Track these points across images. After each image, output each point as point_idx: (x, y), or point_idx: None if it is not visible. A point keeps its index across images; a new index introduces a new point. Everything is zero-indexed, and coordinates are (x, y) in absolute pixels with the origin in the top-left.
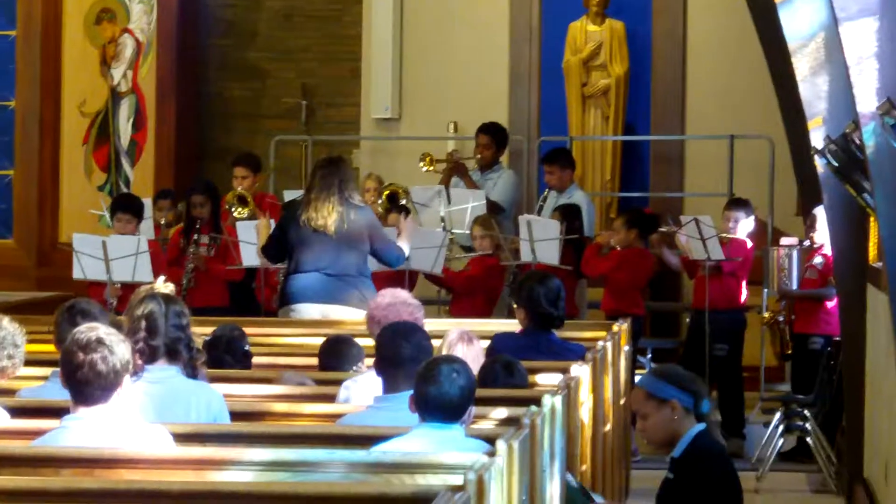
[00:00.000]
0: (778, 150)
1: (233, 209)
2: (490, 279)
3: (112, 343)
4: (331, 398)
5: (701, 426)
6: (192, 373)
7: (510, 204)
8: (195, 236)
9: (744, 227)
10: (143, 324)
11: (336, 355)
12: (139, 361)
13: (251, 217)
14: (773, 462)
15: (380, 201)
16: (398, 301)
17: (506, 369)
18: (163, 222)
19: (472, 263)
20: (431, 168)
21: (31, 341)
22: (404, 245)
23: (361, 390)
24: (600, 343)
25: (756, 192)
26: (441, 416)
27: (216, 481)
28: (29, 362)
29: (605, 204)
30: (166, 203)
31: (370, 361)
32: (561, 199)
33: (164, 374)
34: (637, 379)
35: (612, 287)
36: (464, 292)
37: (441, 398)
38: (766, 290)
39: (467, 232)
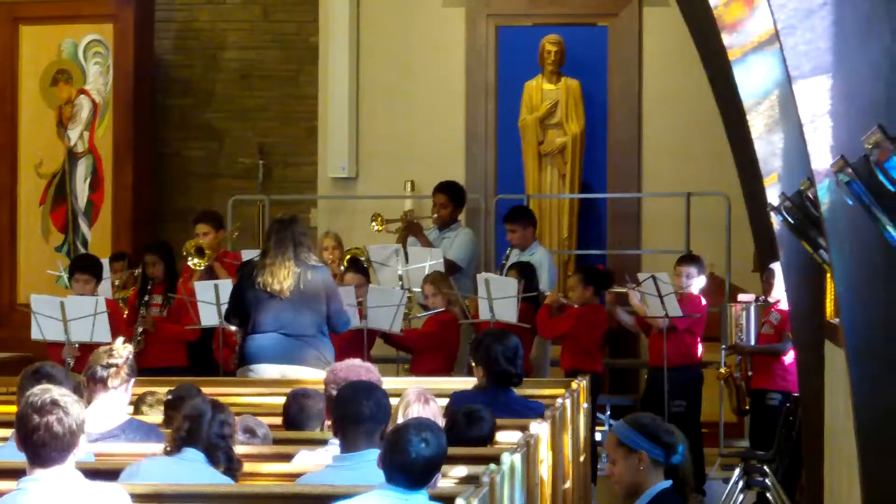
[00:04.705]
0: (734, 207)
1: (189, 259)
2: (447, 335)
3: (67, 404)
4: (290, 457)
5: (666, 484)
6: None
7: (468, 262)
8: (146, 297)
9: (697, 283)
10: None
11: (301, 409)
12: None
13: (208, 269)
14: None
15: (342, 268)
16: (356, 368)
17: (466, 419)
18: (116, 283)
19: (427, 321)
20: (382, 228)
21: None
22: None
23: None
24: (559, 400)
25: (713, 248)
26: (406, 482)
27: None
28: None
29: (562, 261)
30: (120, 265)
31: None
32: (523, 257)
33: None
34: (613, 424)
35: (570, 345)
36: (422, 350)
37: (408, 466)
38: (723, 346)
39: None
